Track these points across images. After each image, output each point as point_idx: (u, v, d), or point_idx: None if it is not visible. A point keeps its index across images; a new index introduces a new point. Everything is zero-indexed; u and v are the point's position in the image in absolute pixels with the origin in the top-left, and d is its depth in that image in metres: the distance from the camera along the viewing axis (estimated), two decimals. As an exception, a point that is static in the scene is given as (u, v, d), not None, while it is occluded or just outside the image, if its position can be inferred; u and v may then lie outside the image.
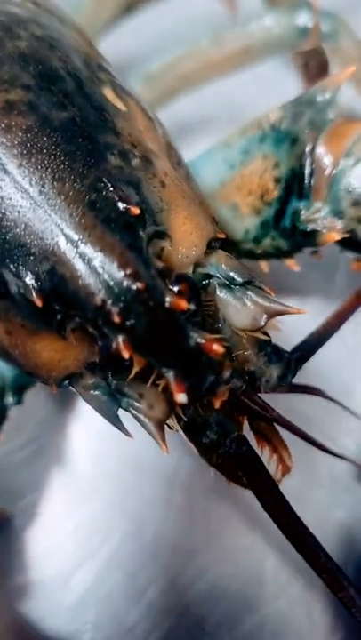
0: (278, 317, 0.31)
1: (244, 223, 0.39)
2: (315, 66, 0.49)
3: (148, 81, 0.47)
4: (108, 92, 0.32)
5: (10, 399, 0.40)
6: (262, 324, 0.29)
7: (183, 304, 0.26)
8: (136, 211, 0.27)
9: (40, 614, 0.46)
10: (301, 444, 0.33)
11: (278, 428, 0.33)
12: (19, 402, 0.41)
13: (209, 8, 0.55)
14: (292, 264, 0.39)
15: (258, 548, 0.45)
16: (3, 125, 0.28)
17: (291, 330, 0.34)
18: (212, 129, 0.48)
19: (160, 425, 0.29)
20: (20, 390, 0.41)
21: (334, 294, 0.48)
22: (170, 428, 0.31)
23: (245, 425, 0.33)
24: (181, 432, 0.31)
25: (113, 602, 0.46)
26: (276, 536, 0.43)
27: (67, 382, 0.31)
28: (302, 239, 0.36)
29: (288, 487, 0.33)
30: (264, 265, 0.40)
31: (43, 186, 0.28)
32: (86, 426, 0.49)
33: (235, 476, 0.33)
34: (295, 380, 0.33)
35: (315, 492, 0.46)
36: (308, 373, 0.36)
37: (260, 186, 0.37)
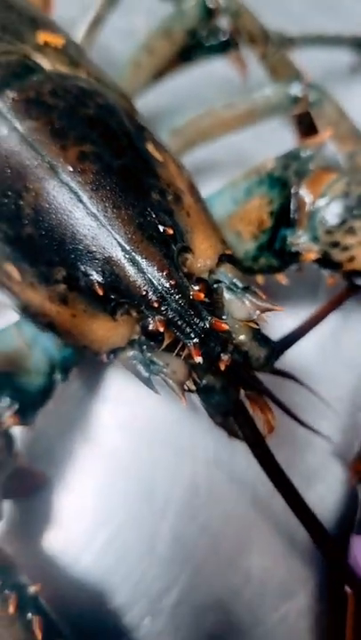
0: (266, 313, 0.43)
1: (245, 246, 0.50)
2: (306, 125, 0.62)
3: (175, 134, 0.59)
4: (150, 146, 0.44)
5: (58, 376, 0.51)
6: (255, 317, 0.41)
7: (201, 296, 0.38)
8: (170, 231, 0.39)
9: (67, 562, 0.56)
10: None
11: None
12: (64, 379, 0.52)
13: (225, 74, 0.67)
14: (282, 278, 0.51)
15: (249, 511, 0.56)
16: (78, 169, 0.41)
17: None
18: (223, 173, 0.58)
19: (181, 385, 0.40)
20: (66, 370, 0.52)
21: (317, 305, 0.59)
22: (189, 390, 0.42)
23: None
24: (196, 395, 0.42)
25: (128, 554, 0.56)
26: (264, 502, 0.54)
27: (112, 355, 0.43)
28: (288, 258, 0.48)
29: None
30: (260, 279, 0.52)
31: (106, 212, 0.40)
32: (110, 408, 0.60)
33: (233, 431, 0.44)
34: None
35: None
36: (293, 367, 0.47)
37: (257, 218, 0.50)
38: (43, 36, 0.47)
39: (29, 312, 0.44)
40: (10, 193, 0.41)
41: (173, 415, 0.58)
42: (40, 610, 0.44)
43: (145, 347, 0.41)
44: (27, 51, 0.46)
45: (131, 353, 0.42)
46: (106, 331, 0.41)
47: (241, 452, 0.52)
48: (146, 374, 0.41)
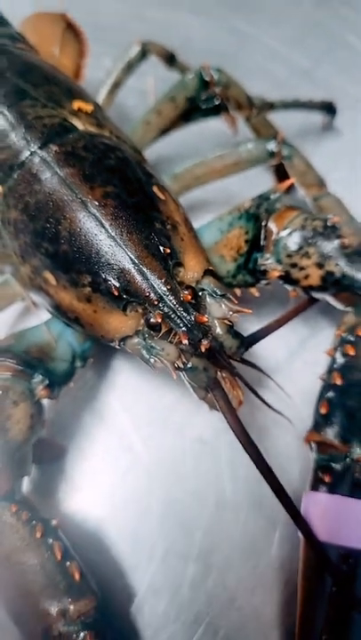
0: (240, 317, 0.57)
1: (227, 266, 0.65)
2: (281, 173, 0.77)
3: (175, 179, 0.73)
4: (155, 188, 0.59)
5: (78, 363, 0.65)
6: (229, 316, 0.55)
7: (189, 298, 0.53)
8: (168, 250, 0.54)
9: (81, 517, 0.68)
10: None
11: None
12: (83, 366, 0.66)
13: (218, 130, 0.82)
14: (254, 291, 0.65)
15: (225, 477, 0.69)
16: (102, 204, 0.56)
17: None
18: (214, 210, 0.73)
19: (172, 364, 0.54)
20: (84, 359, 0.66)
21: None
22: (178, 369, 0.56)
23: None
24: (184, 374, 0.56)
25: (130, 511, 0.68)
26: (239, 471, 0.67)
27: (123, 342, 0.57)
28: (259, 276, 0.63)
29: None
30: (238, 291, 0.66)
31: (121, 235, 0.55)
32: (117, 394, 0.73)
33: (212, 404, 0.58)
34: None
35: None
36: (266, 364, 0.61)
37: (236, 244, 0.64)
38: (77, 104, 0.63)
39: (61, 309, 0.59)
40: (51, 220, 0.56)
41: (168, 401, 0.72)
42: (59, 538, 0.57)
43: (147, 335, 0.56)
44: (65, 115, 0.62)
45: (136, 340, 0.56)
46: (118, 323, 0.56)
47: (223, 432, 0.67)
48: (147, 356, 0.56)
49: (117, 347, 0.58)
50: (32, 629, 0.56)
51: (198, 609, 0.64)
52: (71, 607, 0.55)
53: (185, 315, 0.53)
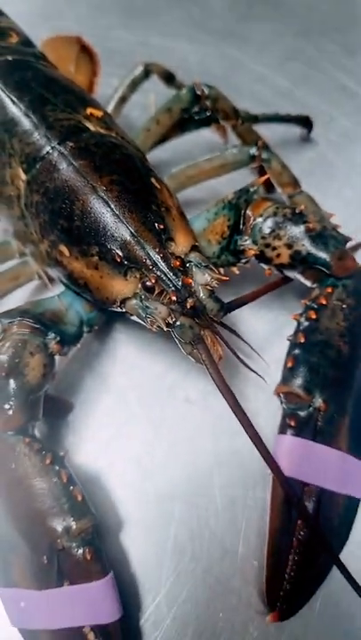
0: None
1: (212, 249, 0.77)
2: (263, 173, 0.89)
3: (171, 178, 0.85)
4: (153, 179, 0.72)
5: (85, 329, 0.76)
6: (210, 281, 0.67)
7: (177, 264, 0.64)
8: (161, 226, 0.66)
9: (86, 466, 0.78)
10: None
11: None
12: (89, 331, 0.77)
13: (210, 138, 0.95)
14: (235, 270, 0.77)
15: (211, 429, 0.79)
16: (109, 189, 0.68)
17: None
18: (203, 206, 0.81)
19: (164, 320, 0.66)
20: (90, 325, 0.77)
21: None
22: (167, 326, 0.67)
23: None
24: (173, 331, 0.68)
25: (130, 457, 0.78)
26: (223, 424, 0.77)
27: (123, 304, 0.69)
28: (239, 255, 0.75)
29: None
30: (222, 270, 0.78)
31: (124, 214, 0.67)
32: (117, 359, 0.84)
33: (197, 358, 0.69)
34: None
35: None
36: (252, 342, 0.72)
37: (221, 230, 0.76)
38: (89, 110, 0.76)
39: (72, 277, 0.71)
40: (67, 201, 0.69)
41: (160, 368, 0.83)
42: (65, 466, 0.67)
43: (143, 297, 0.67)
44: (80, 118, 0.74)
45: (134, 301, 0.68)
46: (120, 286, 0.68)
47: (207, 394, 0.79)
48: (143, 314, 0.67)
49: (119, 309, 0.69)
50: (39, 544, 0.65)
51: (183, 543, 0.73)
52: (73, 525, 0.64)
53: (174, 277, 0.65)
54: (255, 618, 0.70)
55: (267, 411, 0.77)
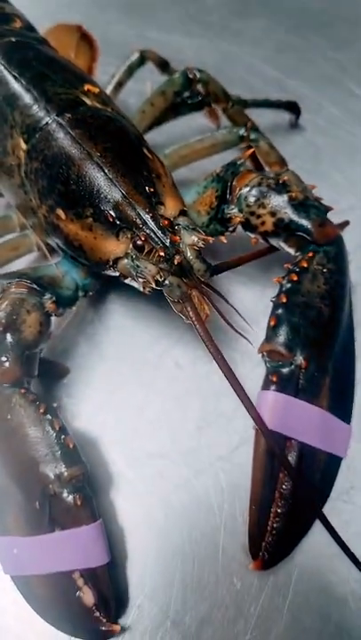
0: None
1: (202, 219, 0.81)
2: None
3: (165, 157, 0.89)
4: (145, 150, 0.77)
5: (80, 293, 0.81)
6: (196, 242, 0.71)
7: (166, 223, 0.69)
8: (151, 190, 0.71)
9: (79, 423, 0.82)
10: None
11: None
12: (84, 296, 0.81)
13: (203, 122, 1.00)
14: (223, 239, 0.81)
15: (197, 388, 0.82)
16: (104, 155, 0.72)
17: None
18: (192, 180, 0.87)
19: (153, 278, 0.70)
20: (85, 290, 0.81)
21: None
22: (156, 285, 0.71)
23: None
24: (164, 290, 0.72)
25: (123, 416, 0.81)
26: (208, 383, 0.81)
27: (115, 264, 0.73)
28: (227, 223, 0.79)
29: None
30: (210, 239, 0.82)
31: (117, 178, 0.71)
32: (112, 330, 0.88)
33: (186, 315, 0.72)
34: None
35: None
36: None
37: (210, 201, 0.80)
38: (87, 87, 0.81)
39: (68, 240, 0.75)
40: (64, 167, 0.73)
41: (153, 335, 0.87)
42: (58, 416, 0.70)
43: (134, 256, 0.72)
44: (77, 94, 0.79)
45: (125, 261, 0.72)
46: (112, 246, 0.72)
47: (195, 360, 0.83)
48: (134, 273, 0.72)
49: (111, 271, 0.73)
50: (32, 490, 0.68)
51: (171, 500, 0.77)
52: (65, 472, 0.68)
53: (162, 235, 0.69)
54: (239, 570, 0.73)
55: (254, 375, 0.79)
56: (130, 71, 0.96)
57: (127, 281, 0.76)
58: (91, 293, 0.83)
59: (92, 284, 0.82)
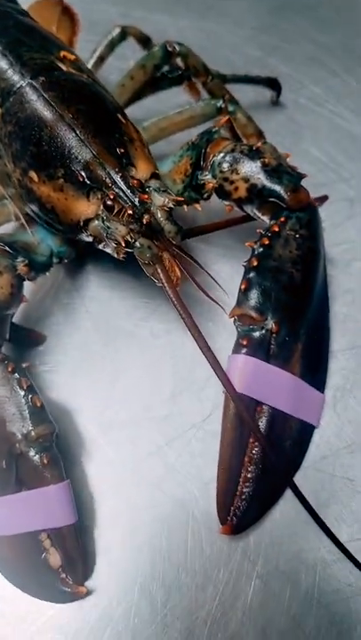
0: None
1: (177, 187, 0.81)
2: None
3: (143, 130, 0.90)
4: (119, 115, 0.77)
5: (55, 260, 0.81)
6: (167, 203, 0.71)
7: (135, 183, 0.69)
8: (122, 150, 0.71)
9: (54, 392, 0.82)
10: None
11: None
12: (58, 263, 0.82)
13: (184, 100, 1.00)
14: (198, 207, 0.81)
15: (172, 351, 0.83)
16: (76, 117, 0.73)
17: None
18: (170, 152, 0.88)
19: (123, 238, 0.70)
20: (60, 257, 0.82)
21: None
22: (127, 247, 0.71)
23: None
24: (135, 251, 0.72)
25: (98, 382, 0.81)
26: (180, 354, 0.80)
27: (86, 225, 0.73)
28: (200, 190, 0.79)
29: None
30: (186, 208, 0.82)
31: (88, 138, 0.72)
32: (87, 300, 0.88)
33: (158, 279, 0.72)
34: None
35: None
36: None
37: (185, 169, 0.80)
38: (63, 53, 0.81)
39: (41, 202, 0.75)
40: (36, 128, 0.74)
41: (129, 305, 0.87)
42: (26, 375, 0.71)
43: (104, 218, 0.72)
44: (53, 59, 0.80)
45: (96, 222, 0.73)
46: (83, 207, 0.73)
47: (169, 330, 0.83)
48: (104, 234, 0.72)
49: (84, 233, 0.74)
50: (-1, 449, 0.68)
51: (141, 465, 0.77)
52: (32, 431, 0.68)
53: (131, 194, 0.70)
54: (209, 537, 0.73)
55: (229, 345, 0.77)
56: (111, 46, 0.96)
57: (101, 246, 0.76)
58: (66, 261, 0.83)
59: (67, 251, 0.82)
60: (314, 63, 1.11)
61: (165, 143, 0.93)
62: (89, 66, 0.95)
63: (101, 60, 0.96)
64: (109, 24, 1.01)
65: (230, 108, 0.88)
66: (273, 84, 1.01)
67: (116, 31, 0.96)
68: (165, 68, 0.92)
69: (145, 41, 1.00)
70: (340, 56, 1.11)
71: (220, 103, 0.88)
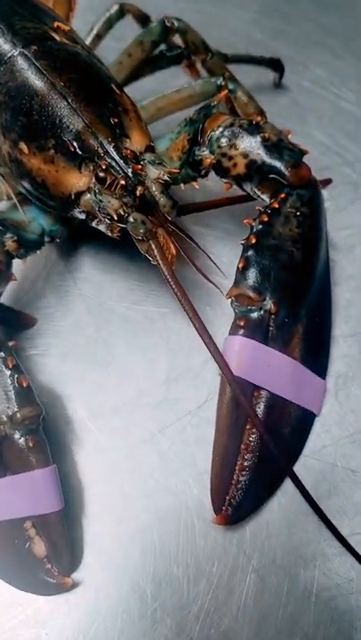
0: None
1: (174, 165, 0.78)
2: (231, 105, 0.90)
3: (142, 109, 0.87)
4: (113, 86, 0.74)
5: (46, 239, 0.78)
6: (162, 175, 0.68)
7: (128, 153, 0.66)
8: (116, 120, 0.68)
9: (47, 373, 0.79)
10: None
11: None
12: (49, 242, 0.79)
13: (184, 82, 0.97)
14: (195, 184, 0.78)
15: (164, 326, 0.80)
16: (68, 85, 0.70)
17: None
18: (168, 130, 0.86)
19: (115, 212, 0.67)
20: (52, 237, 0.79)
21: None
22: (120, 220, 0.68)
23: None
24: (128, 227, 0.68)
25: (90, 367, 0.78)
26: (176, 338, 0.77)
27: (77, 200, 0.70)
28: (198, 166, 0.76)
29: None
30: (183, 187, 0.79)
31: (80, 107, 0.69)
32: (80, 283, 0.85)
33: (153, 256, 0.69)
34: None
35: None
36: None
37: (182, 146, 0.77)
38: (57, 24, 0.78)
39: (32, 176, 0.72)
40: (27, 97, 0.71)
41: (123, 288, 0.85)
42: (13, 355, 0.67)
43: (97, 191, 0.69)
44: (46, 29, 0.77)
45: (88, 195, 0.70)
46: (75, 179, 0.70)
47: (165, 315, 0.81)
48: (97, 208, 0.69)
49: (76, 209, 0.71)
50: (-18, 431, 0.65)
51: (133, 454, 0.74)
52: (18, 413, 0.65)
53: (124, 165, 0.67)
54: (203, 528, 0.69)
55: (226, 330, 0.74)
56: (109, 23, 0.94)
57: (94, 224, 0.73)
58: (58, 240, 0.80)
59: (59, 230, 0.79)
60: (318, 46, 1.08)
61: (163, 125, 0.90)
62: (87, 43, 0.92)
63: (99, 37, 0.93)
64: (108, 5, 0.98)
65: (230, 86, 0.85)
66: (276, 65, 0.99)
67: (114, 8, 0.94)
68: (163, 46, 0.89)
69: (144, 19, 0.97)
70: (344, 39, 1.08)
71: (219, 81, 0.85)
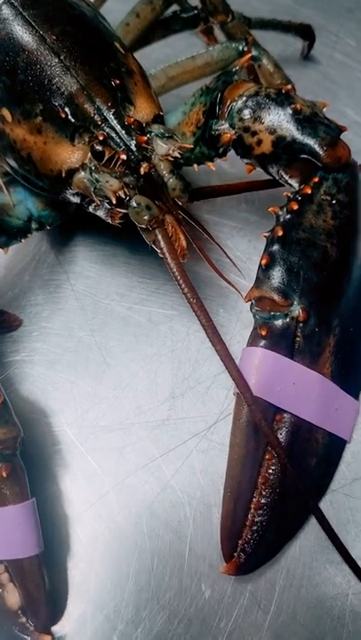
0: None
1: (187, 141, 0.67)
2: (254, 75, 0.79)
3: (151, 78, 0.76)
4: (116, 43, 0.63)
5: (34, 226, 0.68)
6: (172, 150, 0.56)
7: (131, 120, 0.54)
8: (117, 82, 0.57)
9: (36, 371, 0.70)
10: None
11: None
12: (37, 230, 0.68)
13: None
14: (211, 165, 0.67)
15: (168, 349, 0.71)
16: (60, 39, 0.59)
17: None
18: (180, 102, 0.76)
19: (114, 194, 0.56)
20: (40, 223, 0.68)
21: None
22: (120, 204, 0.57)
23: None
24: (130, 212, 0.57)
25: (86, 365, 0.70)
26: (178, 340, 0.67)
27: (70, 179, 0.58)
28: (215, 143, 0.64)
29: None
30: (196, 167, 0.67)
31: (75, 66, 0.58)
32: (72, 281, 0.75)
33: (161, 250, 0.58)
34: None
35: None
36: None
37: (196, 119, 0.66)
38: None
39: (16, 149, 0.62)
40: (11, 53, 0.60)
41: (122, 283, 0.76)
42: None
43: (93, 169, 0.57)
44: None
45: (82, 174, 0.59)
46: (67, 153, 0.59)
47: (176, 317, 0.72)
48: (92, 188, 0.57)
49: (69, 191, 0.60)
50: None
51: (131, 482, 0.65)
52: (-10, 435, 0.55)
53: (126, 136, 0.56)
54: (209, 575, 0.61)
55: (242, 337, 0.67)
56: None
57: (91, 209, 0.63)
58: (48, 227, 0.71)
59: (50, 216, 0.69)
60: (351, 15, 1.00)
61: (175, 98, 0.79)
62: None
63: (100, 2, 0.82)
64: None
65: (254, 53, 0.74)
66: (305, 33, 0.88)
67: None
68: (176, 6, 0.78)
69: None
70: (381, 7, 0.99)
71: (241, 46, 0.74)
